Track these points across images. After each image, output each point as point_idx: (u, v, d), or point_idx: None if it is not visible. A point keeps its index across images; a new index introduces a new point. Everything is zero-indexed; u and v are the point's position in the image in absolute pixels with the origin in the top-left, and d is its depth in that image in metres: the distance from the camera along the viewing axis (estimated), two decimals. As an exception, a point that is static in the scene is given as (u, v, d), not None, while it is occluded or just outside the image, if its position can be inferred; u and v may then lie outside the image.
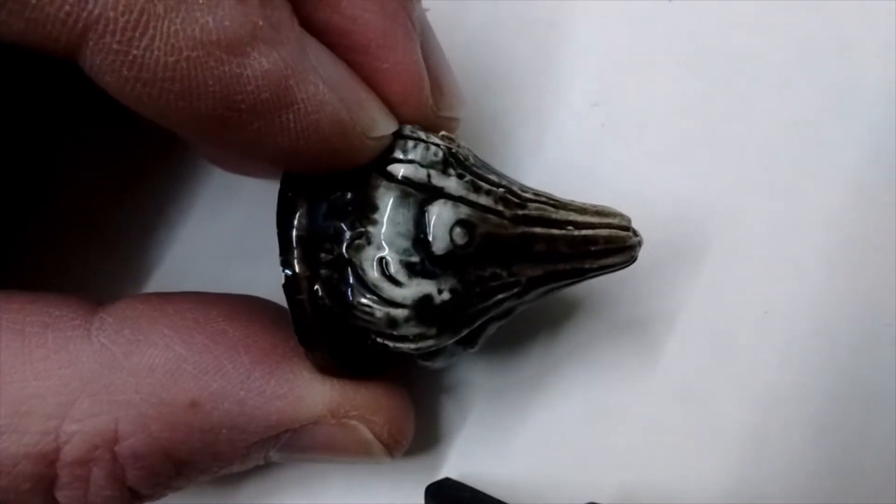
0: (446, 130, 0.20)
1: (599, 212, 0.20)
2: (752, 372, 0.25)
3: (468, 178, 0.19)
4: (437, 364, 0.20)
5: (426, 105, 0.20)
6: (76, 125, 0.24)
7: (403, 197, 0.18)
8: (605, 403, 0.25)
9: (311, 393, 0.19)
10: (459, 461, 0.25)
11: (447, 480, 0.24)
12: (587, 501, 0.22)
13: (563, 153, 0.26)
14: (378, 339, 0.19)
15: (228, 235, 0.25)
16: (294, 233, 0.18)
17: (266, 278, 0.22)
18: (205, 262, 0.25)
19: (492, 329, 0.21)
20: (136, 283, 0.25)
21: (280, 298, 0.21)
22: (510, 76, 0.26)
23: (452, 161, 0.19)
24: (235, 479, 0.24)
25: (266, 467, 0.24)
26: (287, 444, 0.19)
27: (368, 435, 0.20)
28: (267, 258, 0.23)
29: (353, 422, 0.20)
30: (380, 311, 0.18)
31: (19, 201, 0.24)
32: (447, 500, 0.23)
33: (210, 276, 0.25)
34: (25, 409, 0.16)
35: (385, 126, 0.18)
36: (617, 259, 0.20)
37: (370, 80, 0.19)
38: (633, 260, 0.20)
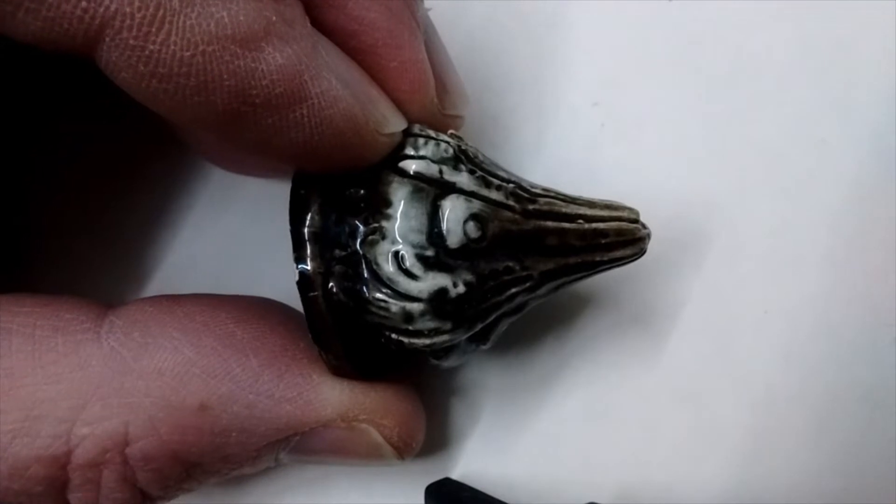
0: (451, 128, 0.20)
1: (608, 205, 0.20)
2: (752, 372, 0.25)
3: (479, 173, 0.19)
4: (449, 362, 0.20)
5: (432, 103, 0.20)
6: (77, 126, 0.24)
7: (416, 192, 0.18)
8: (604, 404, 0.25)
9: (321, 396, 0.19)
10: (459, 461, 0.25)
11: (447, 480, 0.24)
12: (587, 501, 0.23)
13: (564, 153, 0.26)
14: (392, 336, 0.19)
15: (230, 236, 0.25)
16: (307, 230, 0.18)
17: (268, 278, 0.22)
18: (207, 262, 0.25)
19: (503, 325, 0.21)
20: (139, 283, 0.25)
21: (285, 298, 0.21)
22: (510, 76, 0.26)
23: (462, 157, 0.19)
24: (237, 477, 0.24)
25: (268, 465, 0.24)
26: (297, 446, 0.19)
27: (378, 438, 0.20)
28: (269, 258, 0.24)
29: (364, 425, 0.20)
30: (395, 305, 0.18)
31: (21, 204, 0.24)
32: (447, 499, 0.23)
33: (212, 276, 0.25)
34: (37, 412, 0.16)
35: (396, 123, 0.19)
36: (627, 251, 0.20)
37: (378, 80, 0.19)
38: (642, 252, 0.20)
